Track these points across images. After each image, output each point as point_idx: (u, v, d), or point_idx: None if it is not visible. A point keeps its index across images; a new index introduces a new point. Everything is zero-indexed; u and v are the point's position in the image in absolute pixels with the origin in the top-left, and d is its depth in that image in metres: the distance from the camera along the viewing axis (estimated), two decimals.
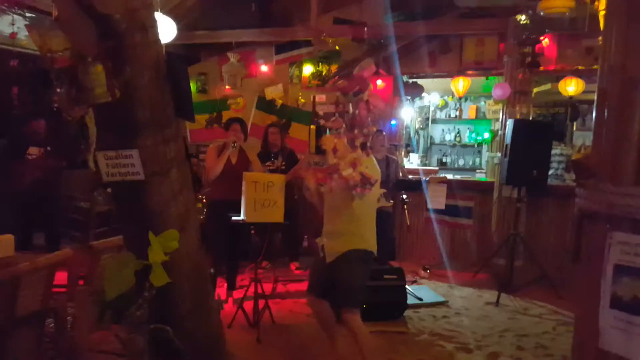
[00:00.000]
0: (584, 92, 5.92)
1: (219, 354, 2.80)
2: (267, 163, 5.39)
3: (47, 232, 5.25)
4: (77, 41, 1.81)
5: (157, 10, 2.41)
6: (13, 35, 4.49)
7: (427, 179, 5.62)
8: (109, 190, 4.99)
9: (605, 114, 1.76)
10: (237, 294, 4.56)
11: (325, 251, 3.05)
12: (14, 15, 4.54)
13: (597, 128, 1.82)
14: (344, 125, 2.54)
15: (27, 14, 4.95)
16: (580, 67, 5.70)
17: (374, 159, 3.04)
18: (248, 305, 4.17)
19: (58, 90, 1.88)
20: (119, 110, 2.03)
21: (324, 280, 3.07)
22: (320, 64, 6.56)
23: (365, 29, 5.64)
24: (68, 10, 1.74)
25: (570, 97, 6.07)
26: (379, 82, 6.06)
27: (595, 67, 5.46)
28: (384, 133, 5.33)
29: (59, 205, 5.42)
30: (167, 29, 3.84)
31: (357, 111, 2.56)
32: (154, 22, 2.10)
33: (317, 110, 6.55)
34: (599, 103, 1.82)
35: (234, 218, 3.95)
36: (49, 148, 4.99)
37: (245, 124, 4.66)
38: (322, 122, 2.64)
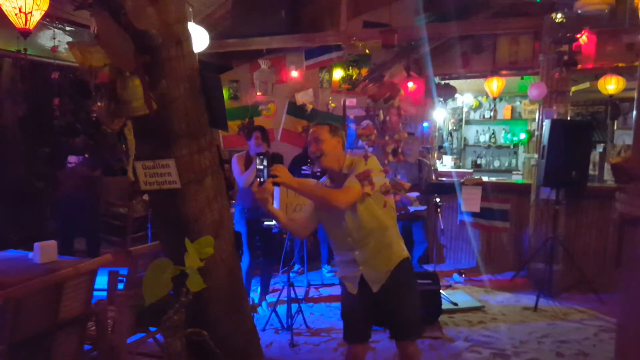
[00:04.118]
0: (625, 89, 5.72)
1: (253, 357, 2.84)
2: (302, 167, 5.42)
3: (87, 237, 5.43)
4: (115, 57, 1.88)
5: (190, 21, 2.48)
6: (54, 48, 4.69)
7: (462, 180, 5.56)
8: (145, 197, 5.15)
9: None
10: (271, 297, 4.62)
11: (367, 279, 2.50)
12: (55, 30, 4.75)
13: (637, 130, 1.76)
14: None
15: (67, 28, 5.17)
16: (620, 65, 5.50)
17: (376, 158, 2.56)
18: (281, 309, 4.23)
19: (99, 104, 1.97)
20: (155, 122, 2.10)
21: (367, 317, 2.56)
22: (350, 67, 6.58)
23: (396, 35, 5.55)
24: (107, 27, 1.82)
25: (611, 96, 5.86)
26: (411, 84, 6.01)
27: (637, 63, 5.24)
28: (417, 137, 5.30)
29: (98, 212, 5.60)
30: (200, 39, 3.94)
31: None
32: (188, 36, 2.16)
33: (348, 114, 6.55)
34: (639, 104, 1.77)
35: (266, 223, 4.01)
36: (86, 155, 5.17)
37: (266, 132, 4.49)
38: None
